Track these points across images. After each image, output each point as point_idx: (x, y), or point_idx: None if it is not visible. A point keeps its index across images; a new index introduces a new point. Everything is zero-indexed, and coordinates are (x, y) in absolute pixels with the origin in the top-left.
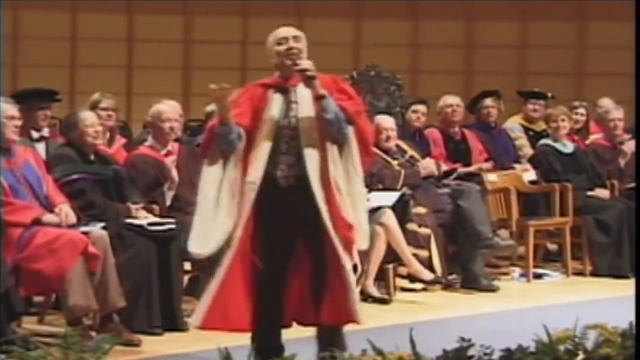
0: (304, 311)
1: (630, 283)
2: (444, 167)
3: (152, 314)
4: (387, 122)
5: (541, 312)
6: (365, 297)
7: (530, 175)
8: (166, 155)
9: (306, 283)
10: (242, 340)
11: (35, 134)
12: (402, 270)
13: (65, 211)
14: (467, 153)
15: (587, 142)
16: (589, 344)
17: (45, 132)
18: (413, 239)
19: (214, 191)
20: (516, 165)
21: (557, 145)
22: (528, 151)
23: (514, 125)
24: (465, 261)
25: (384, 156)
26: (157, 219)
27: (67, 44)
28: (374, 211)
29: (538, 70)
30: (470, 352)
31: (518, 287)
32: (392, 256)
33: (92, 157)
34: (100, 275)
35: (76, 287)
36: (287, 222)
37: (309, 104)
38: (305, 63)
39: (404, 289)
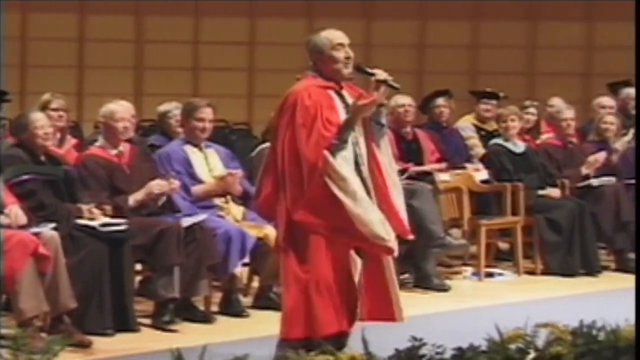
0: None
1: (581, 281)
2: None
3: (104, 314)
4: None
5: (493, 311)
6: None
7: (482, 174)
8: (117, 155)
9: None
10: (193, 342)
11: None
12: None
13: (15, 212)
14: (419, 153)
15: (538, 141)
16: (540, 343)
17: None
18: None
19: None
20: (468, 165)
21: (509, 145)
22: (480, 151)
23: (465, 124)
24: (418, 261)
25: None
26: (109, 220)
27: (16, 44)
28: None
29: (489, 70)
30: (422, 351)
31: (470, 286)
32: None
33: (42, 157)
34: (51, 277)
35: (27, 288)
36: None
37: None
38: (384, 74)
39: None
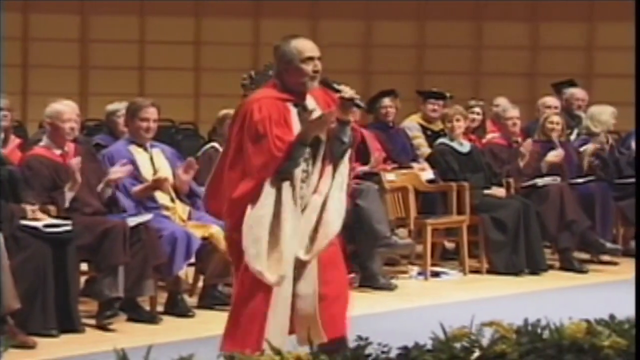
0: None
1: (526, 280)
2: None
3: (48, 315)
4: None
5: (439, 310)
6: None
7: (427, 174)
8: (62, 155)
9: None
10: (138, 342)
11: None
12: None
13: None
14: (365, 152)
15: (484, 141)
16: (485, 341)
17: None
18: None
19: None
20: (414, 165)
21: (454, 145)
22: (426, 150)
23: (411, 124)
24: (364, 260)
25: None
26: (53, 221)
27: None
28: None
29: (435, 69)
30: (368, 350)
31: (416, 286)
32: None
33: None
34: None
35: None
36: None
37: None
38: (351, 92)
39: None
